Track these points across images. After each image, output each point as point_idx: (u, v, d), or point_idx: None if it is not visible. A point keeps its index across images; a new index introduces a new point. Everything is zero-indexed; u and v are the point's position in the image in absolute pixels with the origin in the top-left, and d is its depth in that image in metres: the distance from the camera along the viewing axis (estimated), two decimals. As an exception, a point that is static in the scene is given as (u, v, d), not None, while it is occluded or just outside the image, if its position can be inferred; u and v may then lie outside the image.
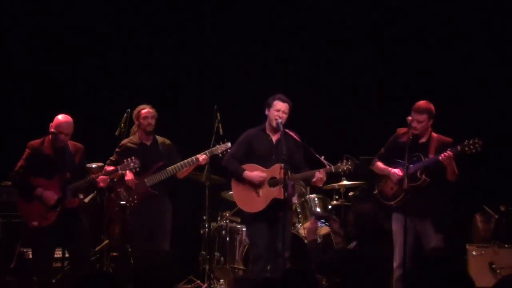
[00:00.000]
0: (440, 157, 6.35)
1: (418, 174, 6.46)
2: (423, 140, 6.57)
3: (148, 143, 7.24)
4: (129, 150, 7.13)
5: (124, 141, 7.28)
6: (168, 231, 7.14)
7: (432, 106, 6.55)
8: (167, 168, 7.07)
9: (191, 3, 9.44)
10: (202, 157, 7.08)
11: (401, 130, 6.69)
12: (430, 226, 6.51)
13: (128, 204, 7.10)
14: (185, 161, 7.10)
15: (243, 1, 9.40)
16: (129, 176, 7.03)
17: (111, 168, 6.95)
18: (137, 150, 7.14)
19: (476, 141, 6.30)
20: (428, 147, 6.54)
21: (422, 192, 6.46)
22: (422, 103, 6.53)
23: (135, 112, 7.27)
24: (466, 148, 6.32)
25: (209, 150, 7.09)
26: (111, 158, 7.21)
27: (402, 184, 6.40)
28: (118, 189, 7.13)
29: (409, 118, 6.51)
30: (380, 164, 6.71)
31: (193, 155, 7.10)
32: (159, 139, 7.31)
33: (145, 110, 7.20)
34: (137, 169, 6.90)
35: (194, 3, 9.46)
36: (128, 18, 9.36)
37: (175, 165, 7.08)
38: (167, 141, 7.33)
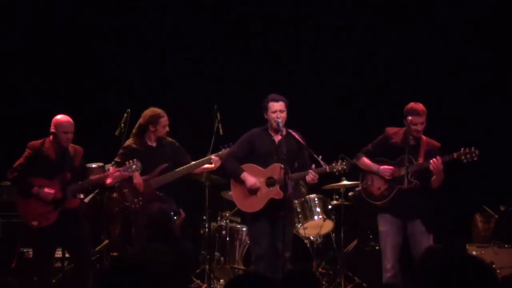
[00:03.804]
0: (430, 165, 6.32)
1: (409, 177, 6.45)
2: (413, 142, 6.51)
3: (154, 145, 7.08)
4: (134, 152, 6.99)
5: (129, 142, 7.09)
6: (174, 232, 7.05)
7: None
8: (175, 170, 6.95)
9: (191, 2, 9.44)
10: (215, 158, 6.92)
11: (391, 129, 6.64)
12: (420, 226, 6.48)
13: (132, 206, 6.97)
14: (194, 162, 6.98)
15: (243, 0, 9.40)
16: (138, 179, 6.89)
17: (116, 173, 6.82)
18: (141, 152, 6.99)
19: (473, 150, 6.31)
20: (418, 150, 6.49)
21: (411, 194, 6.46)
22: (420, 105, 6.48)
23: (152, 116, 6.99)
24: (463, 157, 6.33)
25: (216, 154, 6.96)
26: (116, 159, 7.00)
27: (395, 181, 6.44)
28: (124, 190, 7.00)
29: (409, 118, 6.48)
30: (366, 160, 6.64)
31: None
32: (165, 140, 7.11)
33: (165, 118, 6.98)
34: (139, 171, 6.85)
35: (194, 2, 9.45)
36: (128, 17, 9.35)
37: (183, 168, 6.95)
38: (170, 140, 7.11)
